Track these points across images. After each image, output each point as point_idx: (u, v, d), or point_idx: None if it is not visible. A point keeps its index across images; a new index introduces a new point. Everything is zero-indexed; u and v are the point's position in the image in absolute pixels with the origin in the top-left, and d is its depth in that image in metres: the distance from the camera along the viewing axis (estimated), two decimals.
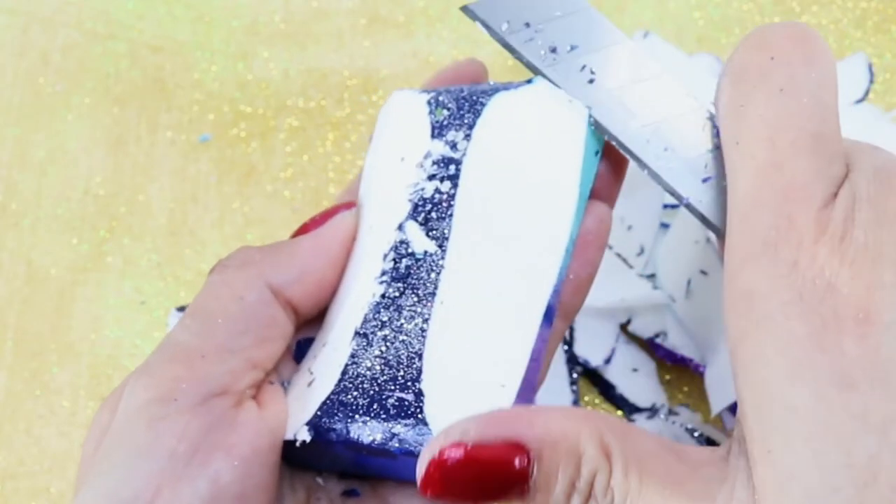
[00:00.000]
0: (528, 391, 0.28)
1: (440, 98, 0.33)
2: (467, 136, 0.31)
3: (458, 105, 0.32)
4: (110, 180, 0.49)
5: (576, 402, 0.44)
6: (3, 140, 0.50)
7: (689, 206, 0.29)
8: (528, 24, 0.31)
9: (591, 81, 0.30)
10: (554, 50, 0.31)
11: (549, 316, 0.29)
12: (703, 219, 0.29)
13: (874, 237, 0.23)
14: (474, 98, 0.32)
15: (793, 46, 0.26)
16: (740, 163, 0.26)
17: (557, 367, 0.44)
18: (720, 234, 0.28)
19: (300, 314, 0.32)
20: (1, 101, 0.51)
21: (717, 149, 0.29)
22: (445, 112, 0.32)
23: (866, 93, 0.48)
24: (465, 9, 0.32)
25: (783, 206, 0.24)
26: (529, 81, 0.31)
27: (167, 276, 0.48)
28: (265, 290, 0.31)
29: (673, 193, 0.29)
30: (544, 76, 0.31)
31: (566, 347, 0.44)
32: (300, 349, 0.33)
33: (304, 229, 0.33)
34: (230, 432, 0.29)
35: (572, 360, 0.44)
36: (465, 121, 0.32)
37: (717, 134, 0.29)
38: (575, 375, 0.44)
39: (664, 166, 0.29)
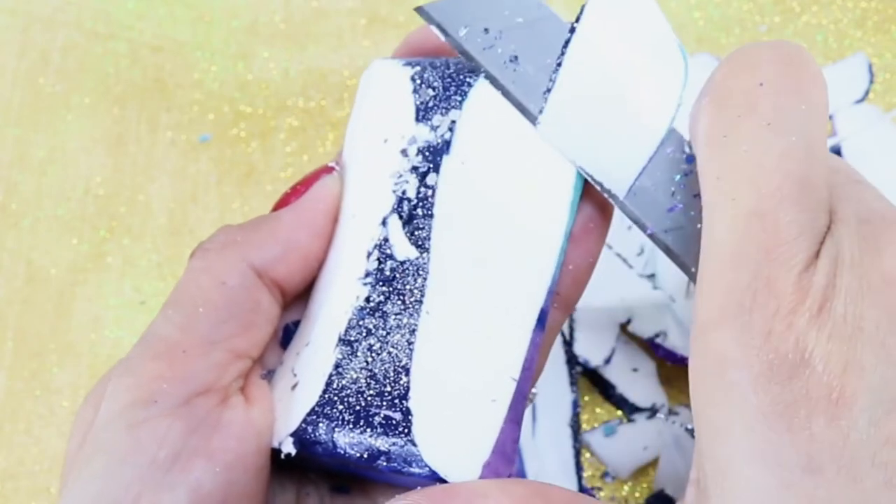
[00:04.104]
0: (519, 401, 0.28)
1: (425, 75, 0.31)
2: (453, 123, 0.30)
3: (445, 85, 0.30)
4: (110, 180, 0.49)
5: (576, 403, 0.44)
6: (3, 140, 0.50)
7: (652, 237, 0.27)
8: (487, 30, 0.29)
9: None
10: (515, 59, 0.29)
11: (542, 320, 0.28)
12: (667, 250, 0.27)
13: (854, 310, 0.22)
14: (461, 77, 0.30)
15: (783, 72, 0.24)
16: (720, 203, 0.24)
17: (557, 367, 0.44)
18: (685, 268, 0.27)
19: (287, 292, 0.31)
20: (1, 101, 0.51)
21: (686, 175, 0.27)
22: (431, 92, 0.30)
23: (866, 93, 0.48)
24: (419, 10, 0.30)
25: (763, 265, 0.22)
26: None
27: (167, 276, 0.48)
28: (248, 272, 0.30)
29: (636, 221, 0.27)
30: (503, 88, 0.29)
31: (566, 347, 0.44)
32: (287, 335, 0.32)
33: (285, 200, 0.31)
34: (213, 435, 0.28)
35: (572, 360, 0.44)
36: (451, 104, 0.30)
37: (687, 160, 0.27)
38: (575, 375, 0.44)
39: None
